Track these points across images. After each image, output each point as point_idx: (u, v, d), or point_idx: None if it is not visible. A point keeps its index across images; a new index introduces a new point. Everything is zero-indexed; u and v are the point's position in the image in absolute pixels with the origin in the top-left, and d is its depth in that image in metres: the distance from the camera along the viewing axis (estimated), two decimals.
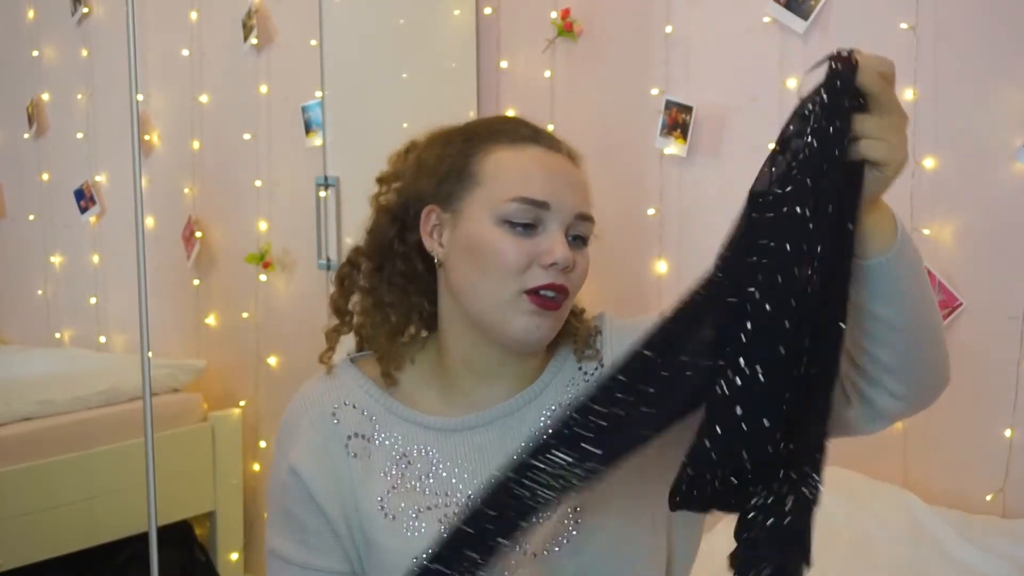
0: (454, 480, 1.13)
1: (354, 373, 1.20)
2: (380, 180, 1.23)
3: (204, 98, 3.41)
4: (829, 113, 0.89)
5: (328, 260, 2.68)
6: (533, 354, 1.17)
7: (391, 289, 1.18)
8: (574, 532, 1.10)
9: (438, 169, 1.14)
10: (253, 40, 3.22)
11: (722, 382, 0.88)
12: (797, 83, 2.37)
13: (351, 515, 1.13)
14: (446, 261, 1.14)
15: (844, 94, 0.89)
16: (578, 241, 1.13)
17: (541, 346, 1.14)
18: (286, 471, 1.16)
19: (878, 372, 0.99)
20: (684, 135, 2.51)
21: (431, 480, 1.13)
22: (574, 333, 1.20)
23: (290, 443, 1.18)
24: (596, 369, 1.19)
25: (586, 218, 1.13)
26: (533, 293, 1.09)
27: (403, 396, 1.18)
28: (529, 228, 1.09)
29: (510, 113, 2.85)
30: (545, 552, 1.09)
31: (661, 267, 2.60)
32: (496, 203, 1.10)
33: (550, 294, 1.09)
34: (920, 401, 1.04)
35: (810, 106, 0.90)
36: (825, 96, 0.89)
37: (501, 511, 0.93)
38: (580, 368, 1.20)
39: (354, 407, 1.17)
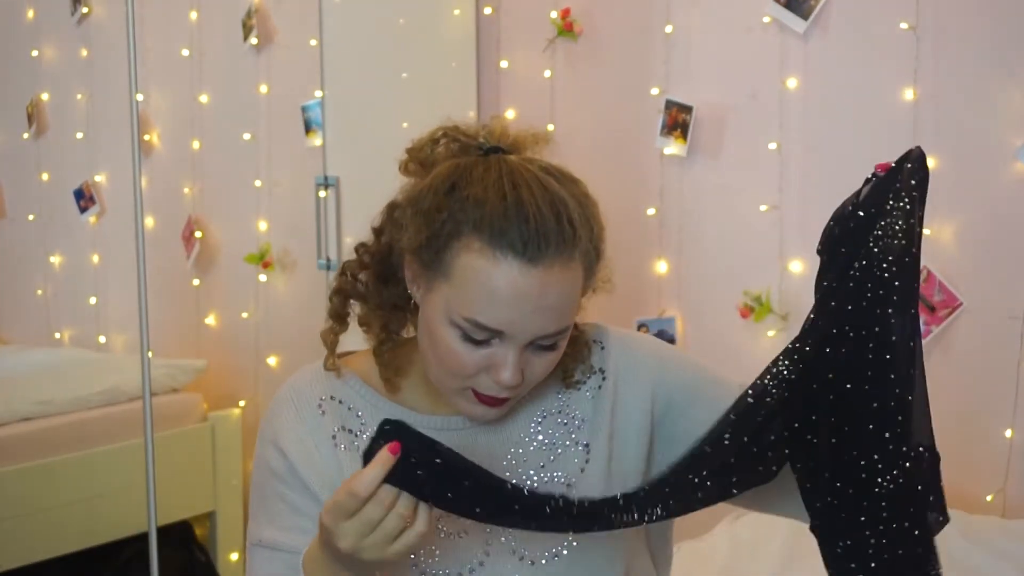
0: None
1: (341, 369, 1.18)
2: (409, 151, 1.14)
3: (204, 98, 3.41)
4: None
5: (328, 260, 2.68)
6: None
7: (395, 313, 1.15)
8: (574, 543, 1.11)
9: (423, 231, 1.05)
10: (253, 40, 3.22)
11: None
12: (797, 83, 2.37)
13: None
14: (419, 312, 1.10)
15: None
16: (544, 348, 1.07)
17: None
18: (274, 456, 1.13)
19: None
20: (684, 135, 2.51)
21: None
22: (568, 348, 1.17)
23: (276, 431, 1.15)
24: (600, 385, 1.18)
25: (556, 334, 1.06)
26: (477, 393, 1.07)
27: (391, 393, 1.17)
28: (482, 342, 1.04)
29: (509, 114, 2.84)
30: (544, 561, 1.10)
31: (661, 267, 2.60)
32: (453, 309, 1.03)
33: (493, 400, 1.08)
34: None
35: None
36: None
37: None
38: (575, 379, 1.18)
39: (340, 402, 1.16)
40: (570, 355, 1.17)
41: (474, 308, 1.02)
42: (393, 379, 1.16)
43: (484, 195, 1.03)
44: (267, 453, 1.15)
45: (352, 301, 1.17)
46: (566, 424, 1.17)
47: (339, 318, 1.17)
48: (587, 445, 1.16)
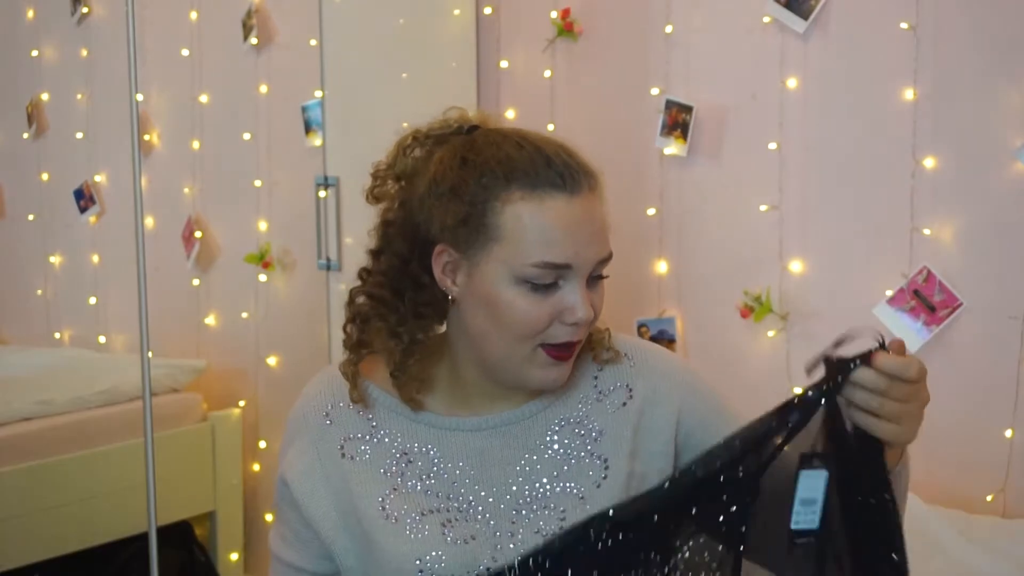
0: (455, 483, 1.13)
1: (356, 375, 1.18)
2: (376, 175, 1.17)
3: (204, 98, 3.41)
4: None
5: (328, 260, 2.68)
6: None
7: (419, 323, 1.13)
8: None
9: (454, 215, 1.07)
10: (253, 40, 3.22)
11: None
12: (797, 83, 2.37)
13: (348, 514, 1.13)
14: (460, 301, 1.11)
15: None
16: (596, 280, 1.10)
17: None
18: (282, 487, 1.19)
19: None
20: (684, 135, 2.51)
21: (432, 481, 1.13)
22: (590, 349, 1.19)
23: (287, 446, 1.20)
24: (625, 402, 1.17)
25: (606, 260, 1.10)
26: (550, 348, 1.08)
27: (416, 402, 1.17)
28: (550, 287, 1.06)
29: (509, 114, 2.84)
30: None
31: (661, 267, 2.60)
32: (515, 263, 1.05)
33: (565, 348, 1.09)
34: None
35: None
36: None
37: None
38: (595, 387, 1.18)
39: (350, 406, 1.17)
40: (596, 345, 1.18)
41: (539, 251, 1.05)
42: (415, 396, 1.15)
43: (501, 153, 1.08)
44: (279, 477, 1.19)
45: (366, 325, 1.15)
46: (583, 435, 1.16)
47: (357, 347, 1.16)
48: (605, 460, 1.14)
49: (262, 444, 3.26)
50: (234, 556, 3.21)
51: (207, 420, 3.19)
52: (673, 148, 2.54)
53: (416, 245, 1.12)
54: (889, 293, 2.20)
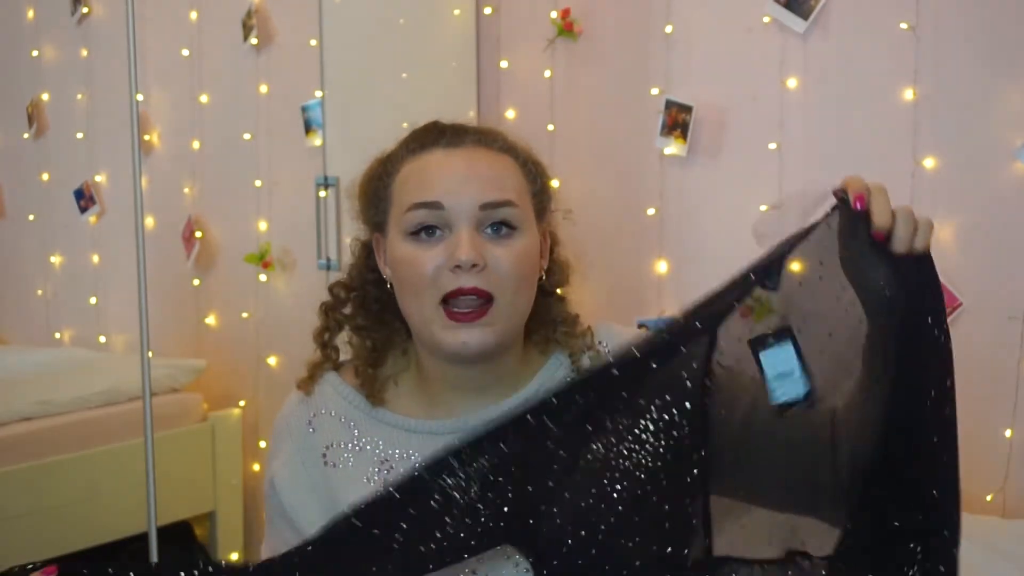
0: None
1: (334, 380, 1.21)
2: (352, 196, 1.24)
3: (204, 98, 3.41)
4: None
5: (328, 260, 2.68)
6: (502, 364, 1.14)
7: (366, 315, 1.19)
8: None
9: (370, 197, 1.16)
10: (253, 40, 3.22)
11: None
12: (797, 83, 2.37)
13: None
14: (392, 284, 1.15)
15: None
16: (501, 230, 1.08)
17: (484, 357, 1.10)
18: (267, 483, 1.20)
19: None
20: (684, 135, 2.51)
21: None
22: (565, 342, 1.19)
23: (273, 455, 1.21)
24: None
25: (498, 204, 1.08)
26: (448, 306, 1.07)
27: (385, 402, 1.19)
28: (431, 232, 1.07)
29: (509, 114, 2.85)
30: None
31: (661, 267, 2.60)
32: (399, 218, 1.10)
33: (464, 308, 1.06)
34: None
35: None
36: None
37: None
38: (583, 364, 1.18)
39: (332, 414, 1.18)
40: (573, 338, 1.18)
41: (412, 196, 1.09)
42: (377, 395, 1.18)
43: (411, 133, 1.16)
44: (268, 485, 1.21)
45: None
46: None
47: (325, 348, 1.22)
48: None
49: (262, 444, 3.26)
50: (234, 556, 3.21)
51: (207, 420, 3.19)
52: (673, 148, 2.54)
53: (367, 245, 1.20)
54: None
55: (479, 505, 0.94)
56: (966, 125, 2.15)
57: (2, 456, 2.68)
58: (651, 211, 2.60)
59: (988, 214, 2.14)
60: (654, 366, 0.95)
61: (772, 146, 2.40)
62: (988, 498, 2.13)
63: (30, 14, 3.96)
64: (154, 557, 2.47)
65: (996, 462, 2.13)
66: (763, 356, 0.96)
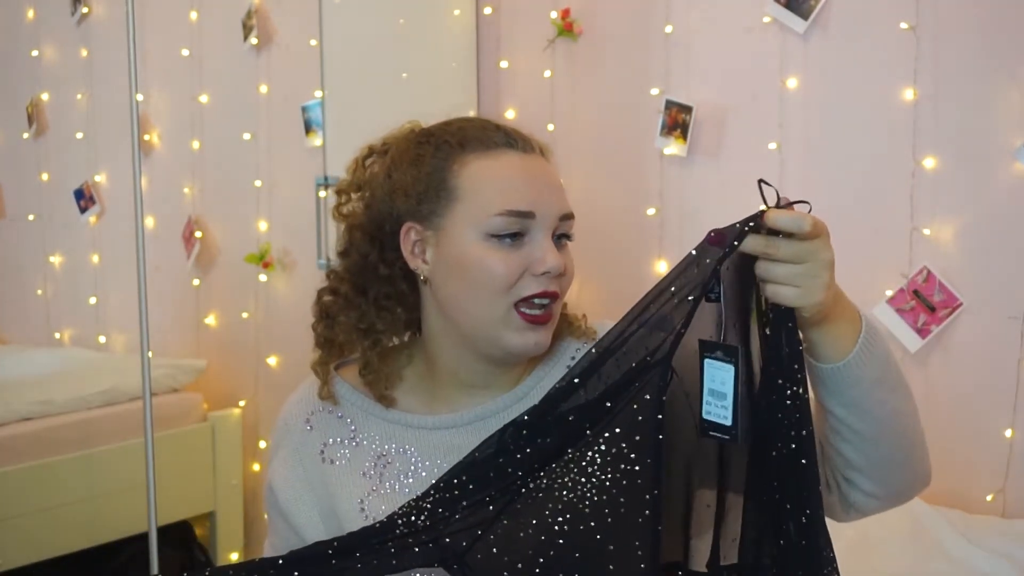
0: (433, 480, 1.13)
1: (335, 378, 1.21)
2: (340, 191, 1.21)
3: (204, 98, 3.41)
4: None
5: (328, 260, 2.68)
6: (521, 363, 1.17)
7: (380, 315, 1.17)
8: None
9: (415, 188, 1.11)
10: (253, 40, 3.22)
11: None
12: (797, 83, 2.37)
13: (329, 518, 1.15)
14: (432, 278, 1.12)
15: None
16: (563, 239, 1.12)
17: (540, 354, 1.14)
18: (269, 493, 1.20)
19: (847, 470, 1.03)
20: (684, 135, 2.51)
21: (410, 480, 1.14)
22: (569, 332, 1.20)
23: (272, 455, 1.22)
24: None
25: (569, 216, 1.12)
26: (523, 308, 1.08)
27: (392, 400, 1.19)
28: (516, 238, 1.07)
29: (509, 114, 2.85)
30: None
31: (661, 267, 2.60)
32: (480, 218, 1.07)
33: (539, 310, 1.08)
34: (894, 500, 1.07)
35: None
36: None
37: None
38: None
39: (329, 411, 1.19)
40: (573, 334, 1.20)
41: (501, 200, 1.07)
42: (385, 393, 1.17)
43: (452, 127, 1.14)
44: (267, 486, 1.21)
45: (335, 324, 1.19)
46: None
47: (327, 344, 1.20)
48: None
49: (262, 444, 3.27)
50: (234, 556, 3.21)
51: (207, 420, 3.19)
52: (673, 148, 2.54)
53: (378, 237, 1.15)
54: (889, 293, 2.20)
55: (425, 521, 0.97)
56: (966, 125, 2.15)
57: (2, 456, 2.68)
58: (651, 211, 2.60)
59: (988, 214, 2.14)
60: (608, 405, 0.95)
61: (772, 146, 2.40)
62: (988, 498, 2.13)
63: (30, 14, 3.96)
64: (154, 557, 2.47)
65: (996, 462, 2.13)
66: (707, 364, 0.94)
